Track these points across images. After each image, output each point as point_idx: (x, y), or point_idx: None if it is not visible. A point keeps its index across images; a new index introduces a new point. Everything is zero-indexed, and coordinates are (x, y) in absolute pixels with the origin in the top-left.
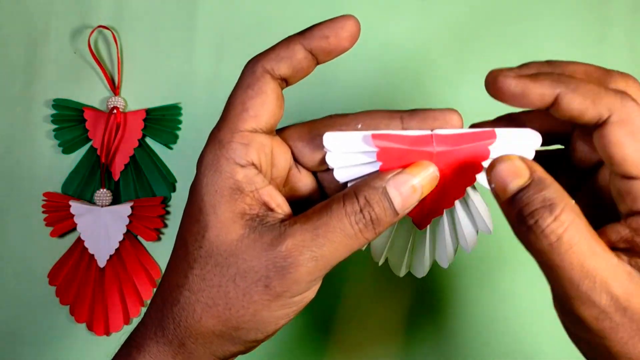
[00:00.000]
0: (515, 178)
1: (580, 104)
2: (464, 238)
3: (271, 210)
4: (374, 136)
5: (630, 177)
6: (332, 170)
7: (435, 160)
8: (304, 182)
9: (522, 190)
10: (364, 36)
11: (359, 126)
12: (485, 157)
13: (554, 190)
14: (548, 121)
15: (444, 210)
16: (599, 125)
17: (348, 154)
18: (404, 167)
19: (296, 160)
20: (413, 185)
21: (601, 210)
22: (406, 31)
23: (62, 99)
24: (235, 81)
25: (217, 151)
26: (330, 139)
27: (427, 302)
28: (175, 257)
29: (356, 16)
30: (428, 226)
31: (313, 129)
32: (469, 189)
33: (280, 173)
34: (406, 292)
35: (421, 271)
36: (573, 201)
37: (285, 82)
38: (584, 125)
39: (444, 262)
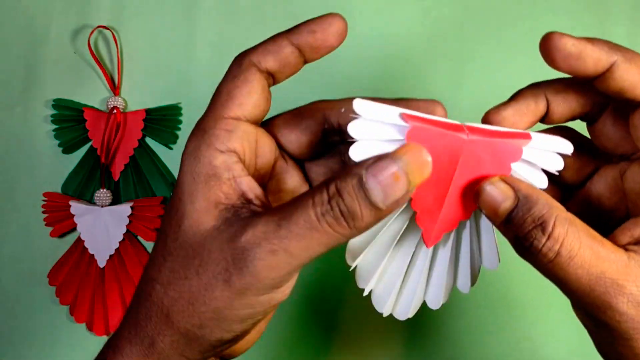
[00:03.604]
0: (503, 201)
1: (635, 75)
2: (464, 275)
3: (248, 201)
4: (404, 115)
5: None
6: (348, 149)
7: (465, 152)
8: (291, 173)
9: (511, 212)
10: (363, 34)
11: (343, 110)
12: (517, 158)
13: (542, 206)
14: (570, 106)
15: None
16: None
17: (376, 124)
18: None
19: (282, 148)
20: (394, 172)
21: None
22: (405, 29)
23: (62, 99)
24: None
25: (199, 139)
26: (362, 104)
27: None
28: (154, 250)
29: (356, 14)
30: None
31: (297, 114)
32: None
33: (265, 164)
34: None
35: (406, 313)
36: (564, 210)
37: (272, 78)
38: (630, 101)
39: (465, 288)
